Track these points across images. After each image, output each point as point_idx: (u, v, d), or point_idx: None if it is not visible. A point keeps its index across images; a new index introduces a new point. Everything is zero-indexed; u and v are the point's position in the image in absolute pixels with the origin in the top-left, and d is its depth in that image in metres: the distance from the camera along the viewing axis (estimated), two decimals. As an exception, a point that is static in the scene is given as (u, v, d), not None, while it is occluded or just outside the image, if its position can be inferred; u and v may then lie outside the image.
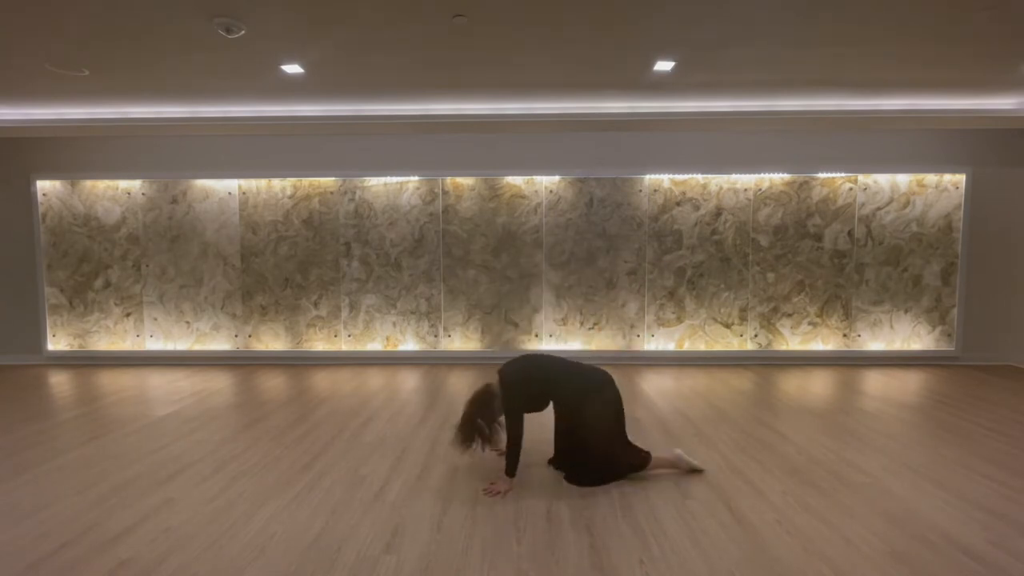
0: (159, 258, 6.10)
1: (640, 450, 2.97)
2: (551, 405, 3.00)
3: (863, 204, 5.89)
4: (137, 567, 2.15)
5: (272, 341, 6.13)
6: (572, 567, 2.14)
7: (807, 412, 4.18)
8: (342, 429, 3.80)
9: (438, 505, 2.65)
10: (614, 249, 5.97)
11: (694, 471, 3.00)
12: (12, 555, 2.25)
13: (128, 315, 6.13)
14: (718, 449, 3.37)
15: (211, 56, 4.00)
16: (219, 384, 5.16)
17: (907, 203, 5.87)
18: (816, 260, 5.94)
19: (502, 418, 2.94)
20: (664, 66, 4.24)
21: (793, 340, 5.98)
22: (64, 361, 6.13)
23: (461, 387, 4.92)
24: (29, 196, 6.04)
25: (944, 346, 5.93)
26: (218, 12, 3.32)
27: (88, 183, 6.05)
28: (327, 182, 6.02)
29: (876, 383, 5.11)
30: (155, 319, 6.12)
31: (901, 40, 3.79)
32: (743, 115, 5.26)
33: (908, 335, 5.95)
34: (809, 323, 5.97)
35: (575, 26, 3.55)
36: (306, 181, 6.02)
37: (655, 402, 4.46)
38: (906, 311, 5.94)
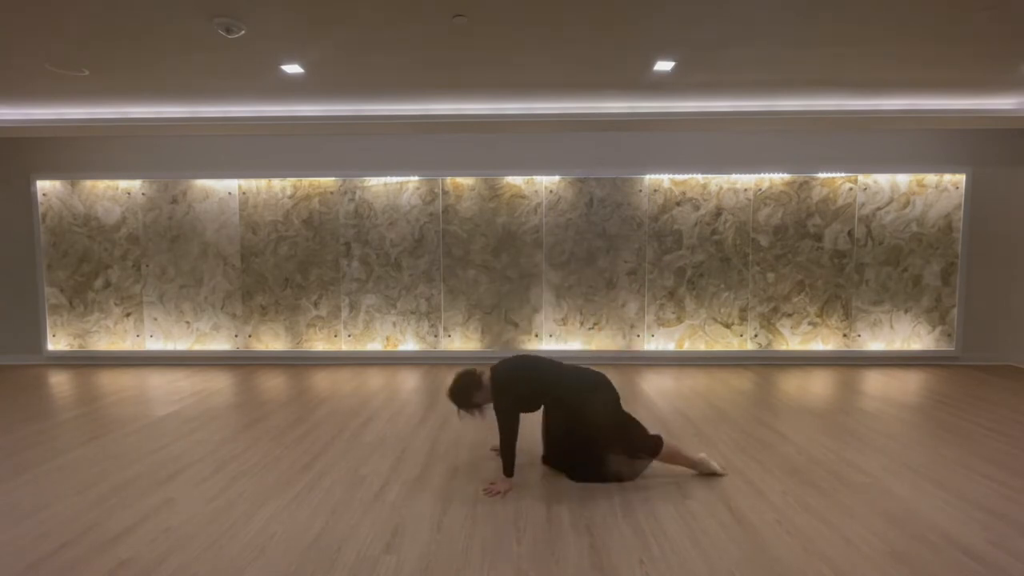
0: (159, 258, 6.10)
1: (648, 434, 2.92)
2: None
3: (863, 204, 5.89)
4: (137, 567, 2.15)
5: (272, 341, 6.13)
6: (572, 567, 2.14)
7: (807, 412, 4.18)
8: (342, 429, 3.80)
9: (438, 505, 2.65)
10: (614, 249, 5.97)
11: (714, 475, 2.96)
12: (12, 555, 2.25)
13: (128, 315, 6.13)
14: (718, 449, 3.36)
15: (211, 56, 4.00)
16: (219, 384, 5.16)
17: (907, 203, 5.88)
18: (816, 260, 5.94)
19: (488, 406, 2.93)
20: (664, 66, 4.24)
21: (793, 340, 5.98)
22: (64, 361, 6.13)
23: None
24: (29, 196, 6.04)
25: (944, 346, 5.93)
26: (218, 12, 3.32)
27: (88, 183, 6.05)
28: (327, 182, 6.02)
29: (876, 383, 5.11)
30: (155, 319, 6.12)
31: (901, 40, 3.79)
32: (743, 115, 5.26)
33: (908, 335, 5.95)
34: (809, 323, 5.97)
35: (575, 26, 3.55)
36: (306, 181, 6.02)
37: (655, 402, 4.46)
38: (906, 311, 5.94)
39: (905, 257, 5.91)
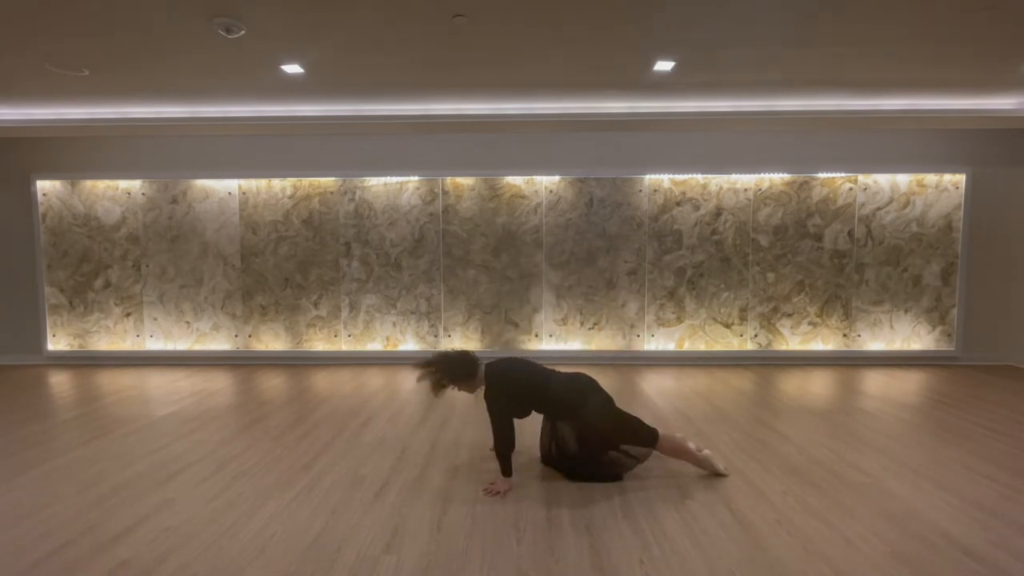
0: (159, 258, 6.10)
1: (645, 423, 2.93)
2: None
3: (863, 204, 5.89)
4: (137, 567, 2.15)
5: (272, 341, 6.13)
6: (572, 567, 2.14)
7: (807, 412, 4.18)
8: (342, 429, 3.80)
9: (438, 505, 2.65)
10: (614, 249, 5.97)
11: (717, 475, 2.96)
12: (12, 555, 2.25)
13: (128, 315, 6.13)
14: (718, 449, 3.36)
15: (211, 56, 4.00)
16: (219, 384, 5.16)
17: (907, 203, 5.87)
18: (816, 260, 5.94)
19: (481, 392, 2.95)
20: (664, 66, 4.23)
21: (793, 340, 5.98)
22: (64, 361, 6.13)
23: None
24: (29, 196, 6.04)
25: (944, 346, 5.93)
26: (218, 12, 3.32)
27: (88, 183, 6.05)
28: (327, 182, 6.02)
29: (876, 383, 5.11)
30: (155, 319, 6.12)
31: (901, 40, 3.79)
32: (743, 115, 5.26)
33: (908, 335, 5.95)
34: (809, 323, 5.97)
35: (575, 26, 3.55)
36: (306, 181, 6.01)
37: (655, 402, 4.46)
38: (906, 311, 5.94)
39: (905, 257, 5.91)
